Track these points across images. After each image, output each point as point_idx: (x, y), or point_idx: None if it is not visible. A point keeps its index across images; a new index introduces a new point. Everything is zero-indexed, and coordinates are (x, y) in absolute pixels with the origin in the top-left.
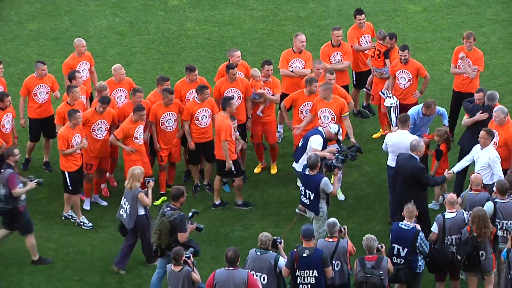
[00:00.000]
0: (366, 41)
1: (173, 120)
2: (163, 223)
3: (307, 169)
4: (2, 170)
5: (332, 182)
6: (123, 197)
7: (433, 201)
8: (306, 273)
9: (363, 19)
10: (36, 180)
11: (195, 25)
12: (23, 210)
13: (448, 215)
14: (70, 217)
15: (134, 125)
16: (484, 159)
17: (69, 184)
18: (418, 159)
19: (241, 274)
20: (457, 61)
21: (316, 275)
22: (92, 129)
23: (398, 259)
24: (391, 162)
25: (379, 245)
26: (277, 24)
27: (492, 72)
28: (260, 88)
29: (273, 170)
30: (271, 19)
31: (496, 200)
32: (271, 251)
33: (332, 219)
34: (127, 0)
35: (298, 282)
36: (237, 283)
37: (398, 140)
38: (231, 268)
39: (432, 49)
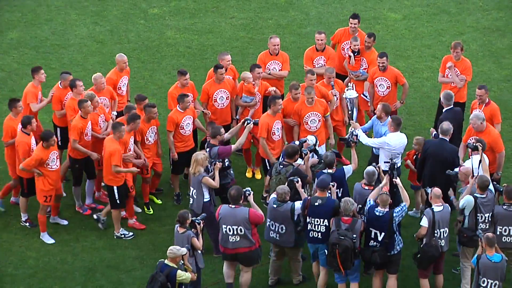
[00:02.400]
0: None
1: (155, 133)
2: (280, 181)
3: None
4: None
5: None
6: (190, 186)
7: (414, 208)
8: (317, 221)
9: (355, 24)
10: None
11: (176, 33)
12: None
13: (436, 208)
14: (123, 235)
15: (128, 135)
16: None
17: (117, 198)
18: None
19: (242, 212)
20: (445, 70)
21: (326, 224)
22: (46, 163)
23: (375, 243)
24: (384, 164)
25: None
26: (257, 33)
27: (472, 79)
28: (253, 89)
29: (258, 175)
30: (251, 28)
31: (476, 195)
32: (288, 202)
33: (371, 168)
34: (107, 8)
35: (309, 228)
36: (239, 220)
37: (402, 141)
38: (233, 206)
39: (413, 56)
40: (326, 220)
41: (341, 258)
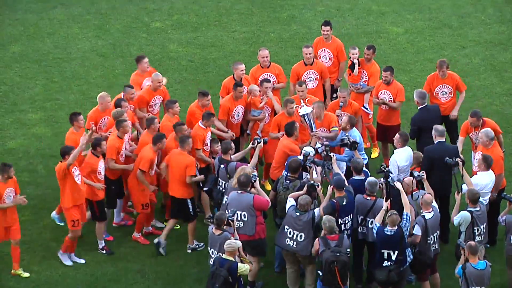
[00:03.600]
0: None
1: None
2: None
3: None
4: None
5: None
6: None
7: None
8: (347, 219)
9: (328, 31)
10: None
11: (178, 47)
12: None
13: (427, 215)
14: (197, 246)
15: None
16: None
17: (191, 211)
18: None
19: (248, 197)
20: (432, 90)
21: (352, 218)
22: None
23: (389, 262)
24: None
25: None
26: (259, 46)
27: (474, 93)
28: (260, 103)
29: (268, 187)
30: (253, 41)
31: (470, 209)
32: (310, 211)
33: (373, 178)
34: (109, 22)
35: (342, 229)
36: (244, 206)
37: (409, 154)
38: (240, 192)
39: (415, 70)
40: (351, 215)
41: (340, 274)
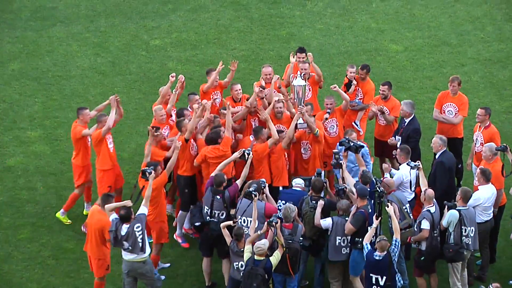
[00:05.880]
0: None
1: None
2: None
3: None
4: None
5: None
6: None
7: None
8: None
9: (303, 58)
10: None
11: (177, 64)
12: None
13: (432, 209)
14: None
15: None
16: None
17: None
18: None
19: (259, 206)
20: (440, 106)
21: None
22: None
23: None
24: (408, 195)
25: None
26: (258, 64)
27: (473, 111)
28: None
29: None
30: (252, 59)
31: (459, 208)
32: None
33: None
34: (108, 40)
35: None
36: (257, 214)
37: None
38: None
39: (414, 88)
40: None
41: (291, 261)
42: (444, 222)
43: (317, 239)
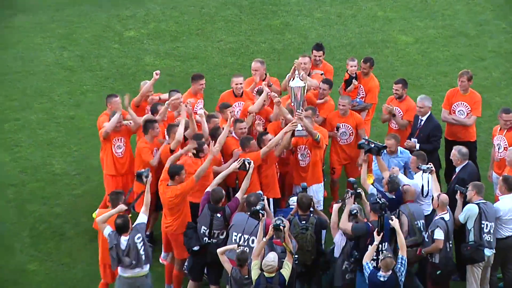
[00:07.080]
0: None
1: None
2: (311, 237)
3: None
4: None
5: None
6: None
7: None
8: (385, 244)
9: (320, 56)
10: None
11: (155, 59)
12: None
13: (446, 217)
14: None
15: None
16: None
17: None
18: None
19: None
20: (449, 106)
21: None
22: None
23: None
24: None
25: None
26: (249, 58)
27: (494, 112)
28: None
29: None
30: (242, 52)
31: (476, 201)
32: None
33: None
34: (76, 31)
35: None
36: (255, 230)
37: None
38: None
39: (427, 85)
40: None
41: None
42: (461, 218)
43: (312, 264)
